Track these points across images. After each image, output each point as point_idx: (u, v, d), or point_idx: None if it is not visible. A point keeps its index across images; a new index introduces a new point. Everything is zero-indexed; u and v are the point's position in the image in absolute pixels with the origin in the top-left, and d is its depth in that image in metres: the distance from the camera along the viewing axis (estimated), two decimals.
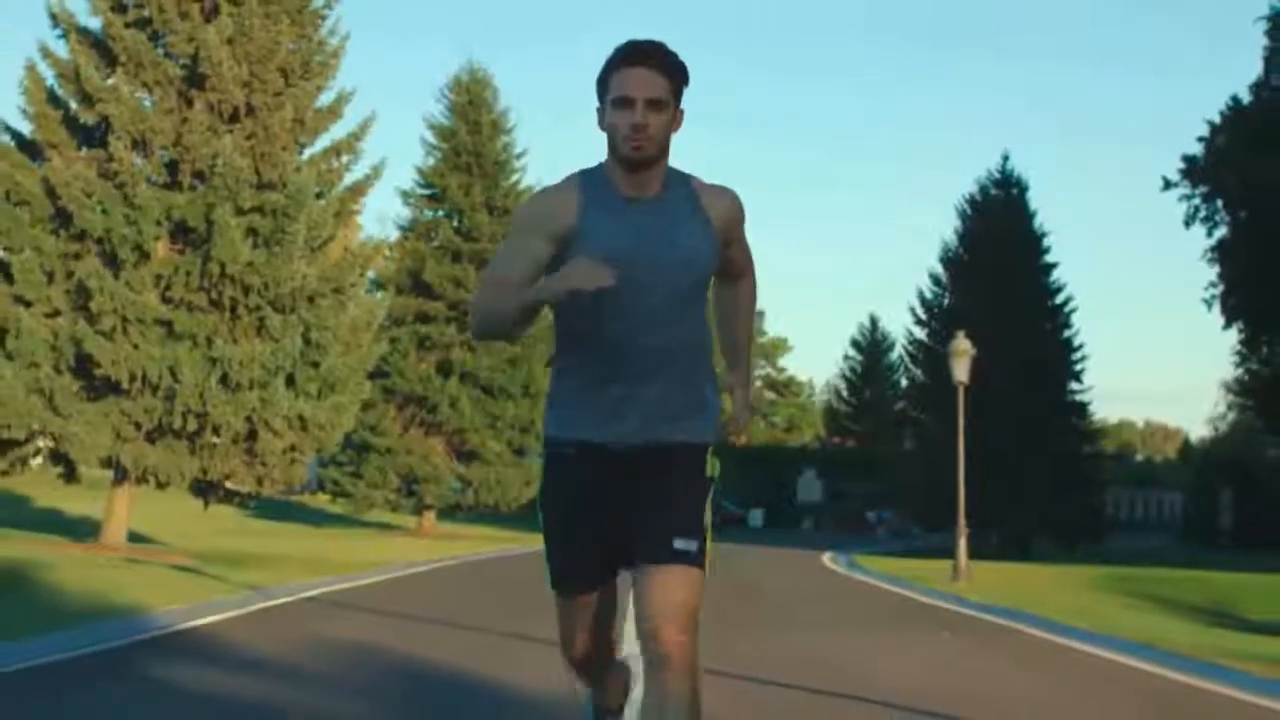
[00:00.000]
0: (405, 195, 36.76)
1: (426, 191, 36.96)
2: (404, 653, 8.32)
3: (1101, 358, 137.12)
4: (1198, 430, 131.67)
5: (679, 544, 3.14)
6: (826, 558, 29.41)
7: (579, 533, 3.31)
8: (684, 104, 3.23)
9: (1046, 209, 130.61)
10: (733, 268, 3.46)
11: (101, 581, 12.94)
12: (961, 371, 20.90)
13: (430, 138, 36.99)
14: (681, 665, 3.05)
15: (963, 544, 20.11)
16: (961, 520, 20.32)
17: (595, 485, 3.26)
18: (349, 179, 19.91)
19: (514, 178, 37.02)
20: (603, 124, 3.18)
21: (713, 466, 3.30)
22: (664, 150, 3.20)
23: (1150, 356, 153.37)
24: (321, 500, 48.08)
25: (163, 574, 14.83)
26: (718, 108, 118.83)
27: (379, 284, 34.13)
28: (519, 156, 37.49)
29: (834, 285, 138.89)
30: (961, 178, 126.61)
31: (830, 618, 12.84)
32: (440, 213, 36.88)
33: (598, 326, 3.20)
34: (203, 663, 7.59)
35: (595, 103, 3.19)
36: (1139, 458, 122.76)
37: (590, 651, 3.50)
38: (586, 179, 3.25)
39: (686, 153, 3.35)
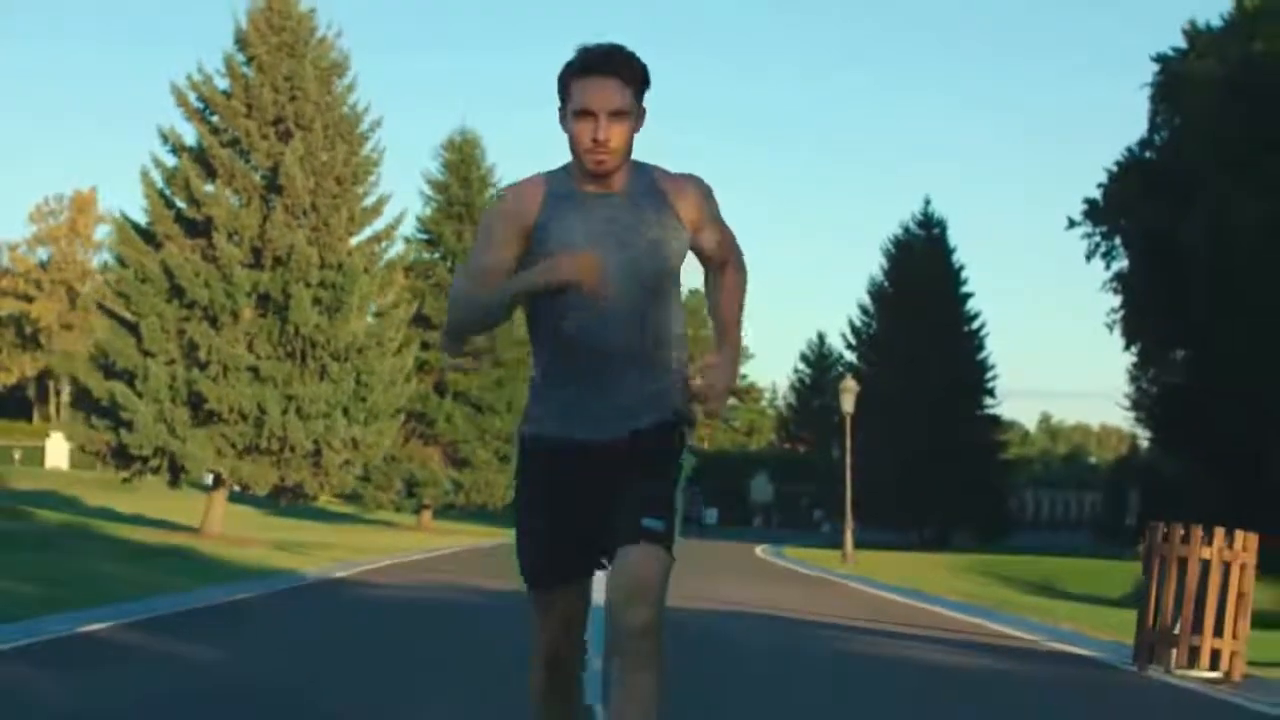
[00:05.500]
0: (406, 240, 42.97)
1: (424, 237, 43.28)
2: (505, 588, 14.63)
3: (1060, 359, 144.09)
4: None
5: (645, 522, 3.19)
6: (759, 549, 35.76)
7: (554, 528, 3.30)
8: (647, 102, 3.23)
9: (970, 239, 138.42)
10: (710, 255, 3.41)
11: (239, 556, 19.17)
12: (848, 404, 27.43)
13: (427, 190, 43.39)
14: (645, 653, 3.11)
15: (848, 535, 26.71)
16: (849, 516, 26.91)
17: (569, 483, 3.27)
18: (387, 258, 26.27)
19: None
20: (564, 126, 3.18)
21: (686, 458, 3.36)
22: (627, 156, 3.21)
23: (1116, 361, 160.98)
24: (323, 500, 54.21)
25: (269, 552, 21.04)
26: (693, 104, 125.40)
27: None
28: None
29: (796, 294, 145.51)
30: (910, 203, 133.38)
31: (737, 580, 19.22)
32: (436, 255, 43.23)
33: (565, 322, 3.22)
34: (388, 590, 13.86)
35: (556, 102, 3.19)
36: (1092, 460, 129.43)
37: (562, 658, 3.39)
38: (551, 175, 3.26)
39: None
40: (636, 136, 3.22)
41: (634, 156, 3.26)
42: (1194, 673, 8.34)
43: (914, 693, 7.60)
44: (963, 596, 15.80)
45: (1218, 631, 8.31)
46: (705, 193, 3.34)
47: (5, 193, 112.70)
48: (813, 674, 8.27)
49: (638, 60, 3.18)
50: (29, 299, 72.97)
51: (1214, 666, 8.34)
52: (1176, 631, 8.36)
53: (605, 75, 3.12)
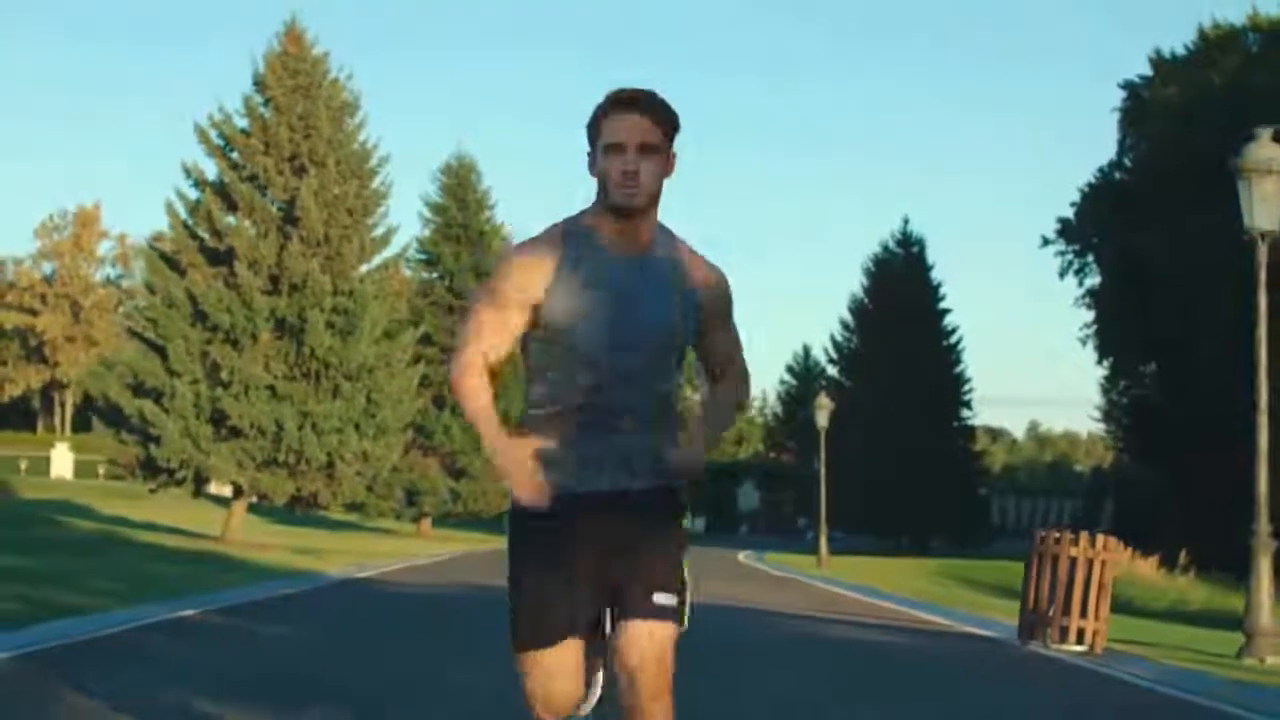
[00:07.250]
0: (406, 261, 45.00)
1: (423, 257, 45.39)
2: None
3: (1049, 367, 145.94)
4: None
5: (658, 599, 3.17)
6: (742, 555, 37.80)
7: (552, 588, 3.22)
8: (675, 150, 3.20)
9: (965, 241, 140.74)
10: (714, 358, 3.39)
11: (266, 559, 21.17)
12: (823, 420, 29.51)
13: (426, 213, 45.49)
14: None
15: (823, 541, 28.79)
16: (822, 523, 29.01)
17: (568, 538, 3.21)
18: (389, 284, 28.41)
19: (496, 245, 45.43)
20: (593, 170, 3.16)
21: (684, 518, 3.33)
22: (655, 199, 3.17)
23: (1098, 372, 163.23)
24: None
25: (291, 556, 23.03)
26: (687, 108, 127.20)
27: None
28: (500, 227, 46.10)
29: (783, 306, 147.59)
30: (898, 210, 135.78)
31: (721, 581, 21.28)
32: (435, 275, 45.35)
33: (570, 382, 3.20)
34: (404, 588, 15.91)
35: (586, 149, 3.17)
36: (1078, 467, 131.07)
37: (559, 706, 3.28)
38: (570, 234, 3.20)
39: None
40: (666, 184, 3.18)
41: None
42: (1064, 647, 10.43)
43: (832, 660, 9.66)
44: (912, 594, 17.91)
45: (1083, 614, 10.39)
46: (725, 290, 3.33)
47: (10, 208, 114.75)
48: (755, 648, 10.33)
49: (669, 105, 3.20)
50: (34, 313, 74.97)
51: (1080, 642, 10.43)
52: (1051, 614, 10.45)
53: (635, 112, 3.14)
